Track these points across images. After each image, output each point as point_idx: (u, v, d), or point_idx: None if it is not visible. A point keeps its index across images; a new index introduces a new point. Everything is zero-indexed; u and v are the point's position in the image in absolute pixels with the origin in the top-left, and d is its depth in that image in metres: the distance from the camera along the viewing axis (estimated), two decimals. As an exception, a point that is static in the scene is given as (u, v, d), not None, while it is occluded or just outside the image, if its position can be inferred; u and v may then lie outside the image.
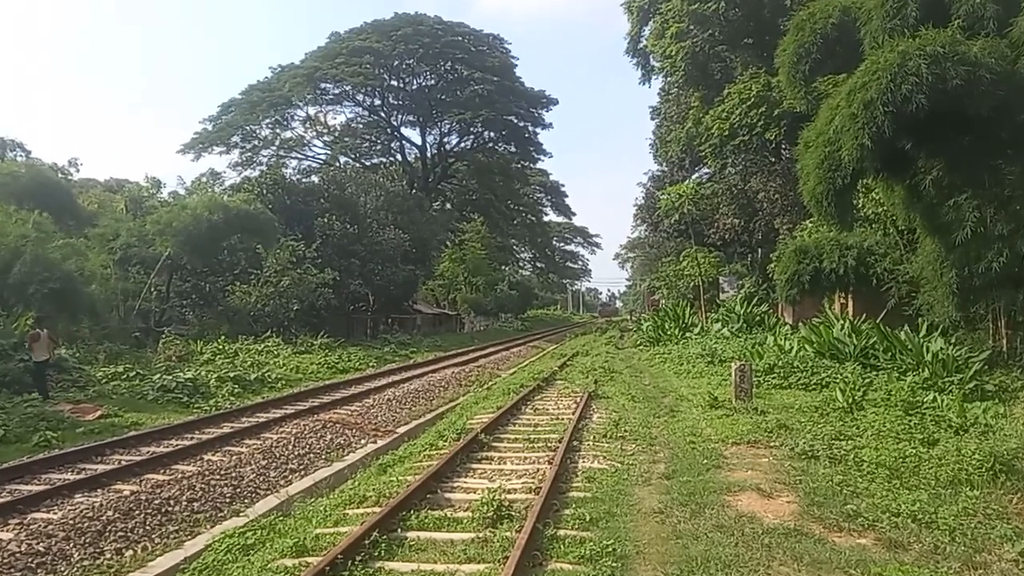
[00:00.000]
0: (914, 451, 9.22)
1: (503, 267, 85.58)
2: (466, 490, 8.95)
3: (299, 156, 74.74)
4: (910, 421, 11.09)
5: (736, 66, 39.46)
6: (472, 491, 8.81)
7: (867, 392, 13.74)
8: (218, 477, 10.84)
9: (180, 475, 10.72)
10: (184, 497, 9.79)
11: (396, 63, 69.47)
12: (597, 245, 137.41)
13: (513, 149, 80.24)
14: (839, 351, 18.56)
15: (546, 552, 6.58)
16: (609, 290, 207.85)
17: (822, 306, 26.04)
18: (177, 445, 12.79)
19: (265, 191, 41.04)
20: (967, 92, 12.75)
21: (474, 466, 10.25)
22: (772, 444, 10.57)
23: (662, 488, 8.62)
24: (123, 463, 11.28)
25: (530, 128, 78.32)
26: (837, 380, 15.61)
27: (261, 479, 11.22)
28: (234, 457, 12.06)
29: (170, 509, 9.36)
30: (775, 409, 13.30)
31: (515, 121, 75.85)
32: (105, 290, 29.36)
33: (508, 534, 6.92)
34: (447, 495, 8.73)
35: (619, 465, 9.87)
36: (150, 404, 18.21)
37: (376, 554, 6.66)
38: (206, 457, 12.01)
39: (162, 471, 11.00)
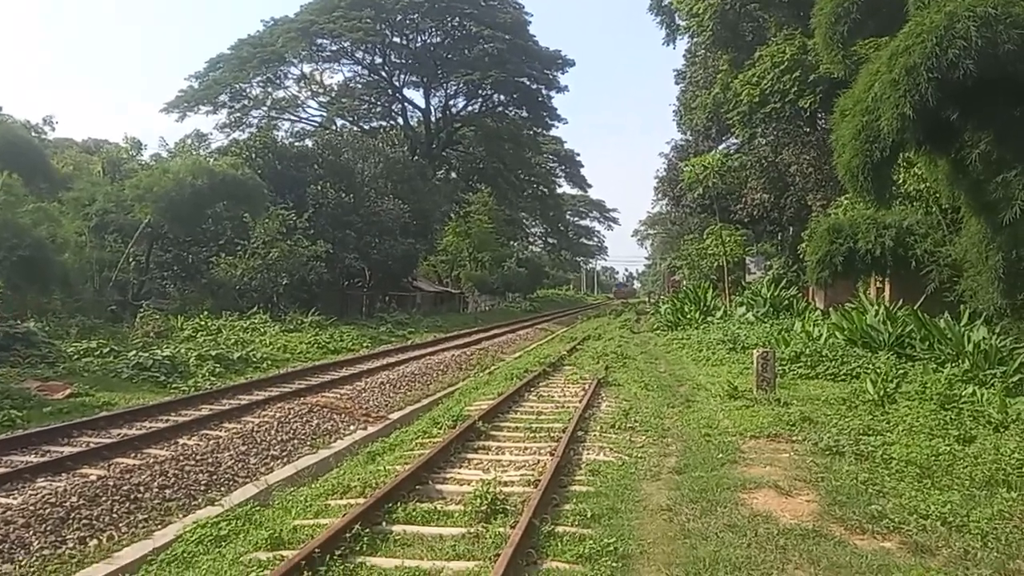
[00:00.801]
0: (948, 448, 9.17)
1: (511, 242, 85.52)
2: (459, 482, 8.95)
3: (292, 118, 74.50)
4: (946, 416, 11.02)
5: (769, 26, 39.03)
6: (466, 483, 8.81)
7: (900, 384, 13.69)
8: (193, 463, 10.88)
9: (152, 460, 10.75)
10: (155, 484, 9.83)
11: (399, 18, 68.96)
12: (614, 220, 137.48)
13: (525, 114, 79.68)
14: (872, 339, 18.49)
15: (541, 550, 6.57)
16: (627, 269, 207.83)
17: (856, 290, 25.97)
18: (150, 427, 12.85)
19: (254, 155, 40.91)
20: (1020, 57, 12.58)
21: (469, 456, 10.25)
22: (794, 438, 10.53)
23: (672, 483, 8.60)
24: (91, 446, 11.34)
25: (544, 91, 77.70)
26: (869, 370, 15.56)
27: (240, 466, 11.26)
28: (211, 441, 12.09)
29: (140, 496, 9.40)
30: (799, 401, 13.26)
31: (527, 83, 75.26)
32: (79, 259, 29.48)
33: (501, 530, 6.92)
34: (438, 486, 8.73)
35: (627, 458, 9.86)
36: (124, 383, 18.26)
37: (357, 548, 6.66)
38: (181, 441, 12.06)
39: (133, 455, 11.04)
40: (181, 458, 10.97)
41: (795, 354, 17.98)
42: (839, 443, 9.76)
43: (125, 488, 9.47)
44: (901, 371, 15.10)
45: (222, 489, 10.19)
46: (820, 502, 7.63)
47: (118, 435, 12.26)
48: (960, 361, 15.41)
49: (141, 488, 9.60)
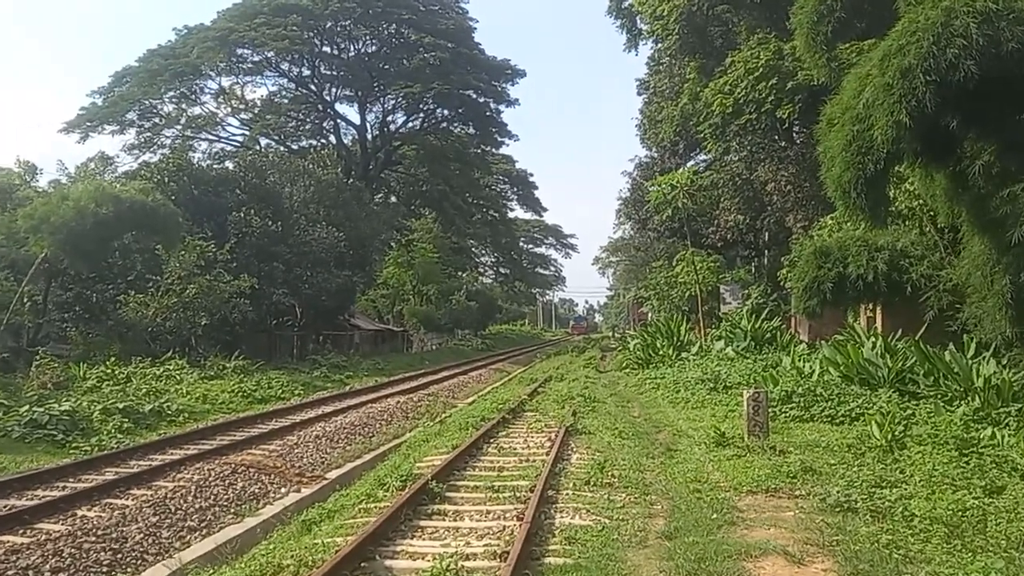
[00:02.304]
0: (976, 502, 8.87)
1: (460, 273, 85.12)
2: (412, 556, 8.42)
3: (210, 137, 73.62)
4: (966, 463, 10.76)
5: (740, 30, 39.43)
6: (420, 557, 8.31)
7: (909, 426, 13.43)
8: (94, 539, 10.18)
9: (44, 537, 10.05)
10: (47, 567, 9.14)
11: (329, 25, 68.73)
12: (572, 247, 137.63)
13: (472, 130, 79.73)
14: (871, 375, 18.31)
15: (516, 642, 6.07)
16: (587, 301, 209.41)
17: (844, 320, 25.93)
18: (43, 497, 12.12)
19: (167, 179, 40.05)
20: (1026, 57, 12.56)
21: (423, 524, 9.71)
22: (797, 493, 10.18)
23: (662, 551, 8.15)
24: (-31, 522, 10.60)
25: (492, 105, 77.88)
26: (871, 411, 15.31)
27: (150, 541, 10.57)
28: (117, 512, 11.39)
29: (28, 584, 8.72)
30: (797, 448, 12.95)
31: (474, 96, 75.34)
32: (-38, 301, 28.45)
33: (466, 618, 6.41)
34: (388, 562, 8.19)
35: (606, 521, 9.40)
36: (15, 443, 17.39)
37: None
38: (80, 512, 11.34)
39: (20, 531, 10.32)
40: (79, 533, 10.27)
41: (786, 394, 17.70)
42: (850, 498, 9.41)
43: (10, 574, 8.78)
44: (907, 411, 14.88)
45: (128, 570, 9.53)
46: (839, 572, 7.23)
47: (5, 507, 11.50)
48: (970, 398, 15.25)
49: (30, 572, 8.91)
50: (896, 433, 12.57)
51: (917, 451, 11.75)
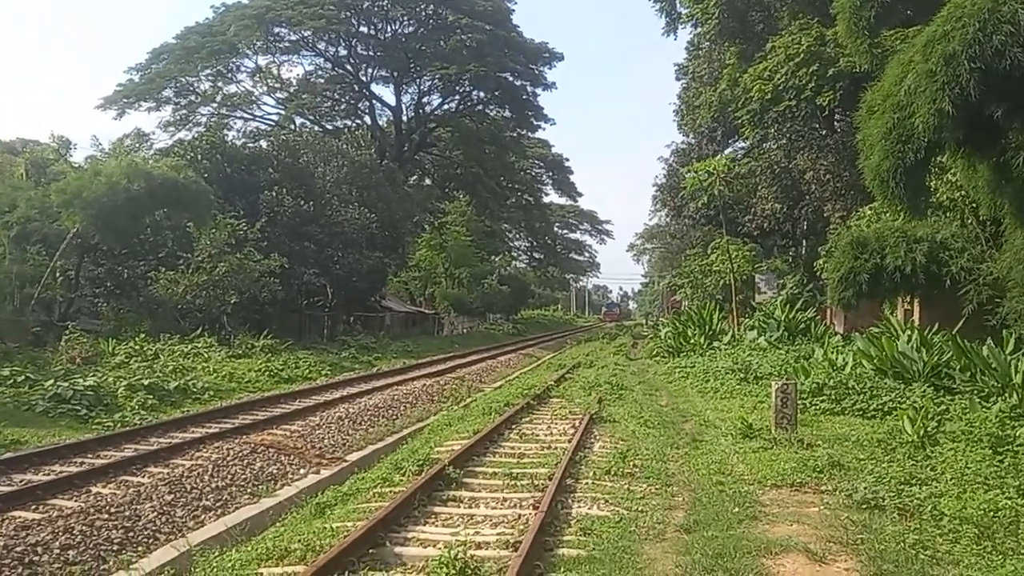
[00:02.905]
0: (1009, 503, 8.56)
1: (493, 257, 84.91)
2: (423, 543, 8.28)
3: (245, 115, 73.96)
4: (1001, 462, 10.43)
5: (782, 15, 38.79)
6: (431, 544, 8.17)
7: (942, 422, 13.09)
8: (107, 516, 10.16)
9: (57, 513, 10.02)
10: (57, 543, 9.10)
11: (367, 5, 68.65)
12: (607, 234, 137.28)
13: (508, 113, 79.45)
14: (905, 369, 17.92)
15: (521, 636, 5.89)
16: (621, 288, 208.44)
17: (881, 312, 25.49)
18: (60, 472, 12.12)
19: (200, 156, 40.27)
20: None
21: (437, 510, 9.57)
22: (823, 488, 9.92)
23: (680, 545, 7.94)
24: (-16, 495, 10.59)
25: (529, 88, 77.46)
26: (903, 405, 14.96)
27: (163, 519, 10.54)
28: (132, 490, 11.35)
29: (35, 560, 8.68)
30: (825, 441, 12.65)
31: (510, 79, 74.98)
32: (-5, 274, 28.66)
33: (471, 609, 6.25)
34: (397, 549, 8.04)
35: (625, 512, 9.20)
36: (39, 417, 17.53)
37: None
38: (95, 489, 11.32)
39: (34, 507, 10.30)
40: (92, 510, 10.24)
41: (817, 386, 17.40)
42: (878, 495, 9.14)
43: (18, 550, 8.73)
44: (942, 406, 14.51)
45: (140, 549, 9.49)
46: (862, 571, 6.99)
47: (20, 482, 11.51)
48: (1007, 395, 14.85)
49: (38, 550, 8.87)
50: (929, 429, 12.24)
51: (950, 448, 11.42)
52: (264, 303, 36.15)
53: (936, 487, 9.46)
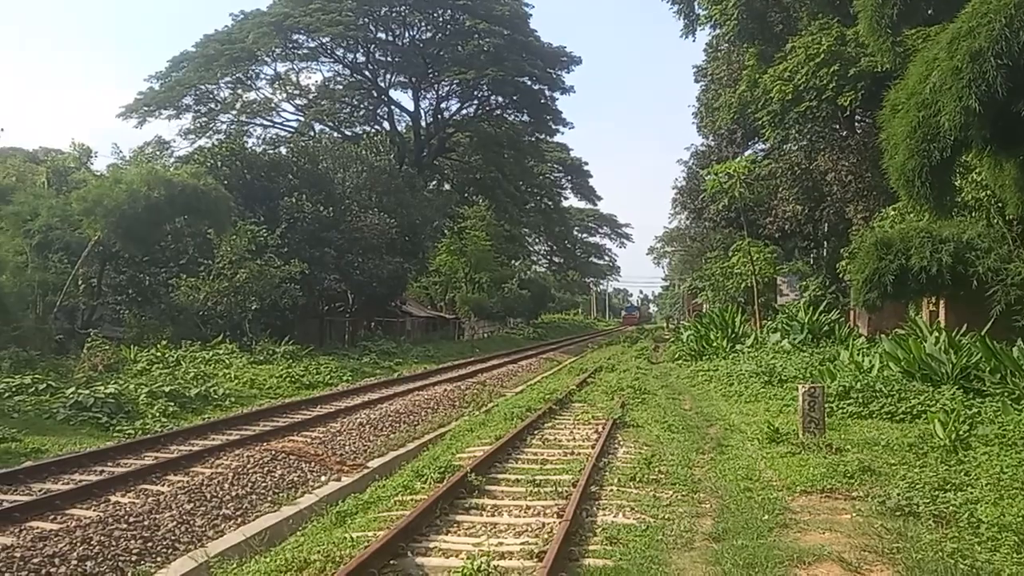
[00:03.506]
0: (1048, 509, 8.29)
1: (512, 262, 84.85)
2: (445, 552, 8.09)
3: (265, 122, 73.98)
4: (1037, 466, 10.14)
5: (801, 15, 38.46)
6: (453, 554, 7.98)
7: (974, 425, 12.80)
8: (125, 526, 9.99)
9: (75, 523, 9.88)
10: (74, 555, 8.93)
11: (385, 11, 68.55)
12: (627, 237, 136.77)
13: (526, 118, 79.13)
14: (933, 371, 17.60)
15: (548, 651, 5.69)
16: (641, 292, 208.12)
17: (906, 314, 25.18)
18: (80, 481, 11.98)
19: (220, 163, 40.23)
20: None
21: (459, 518, 9.38)
22: (854, 494, 9.67)
23: (709, 555, 7.71)
24: (3, 505, 10.46)
25: (547, 92, 77.12)
26: (933, 408, 14.68)
27: (183, 529, 10.35)
28: (151, 499, 11.20)
29: (52, 572, 8.51)
30: (855, 446, 12.40)
31: (528, 83, 74.67)
32: (19, 282, 28.59)
33: (496, 622, 6.05)
34: (419, 559, 7.86)
35: (651, 520, 8.98)
36: (60, 425, 17.42)
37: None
38: (114, 498, 11.17)
39: (52, 517, 10.16)
40: (111, 520, 10.08)
41: (843, 389, 17.10)
42: (912, 501, 8.88)
43: (35, 561, 8.58)
44: (973, 409, 14.21)
45: (158, 559, 9.31)
46: (899, 582, 6.75)
47: (39, 491, 11.39)
48: (1039, 397, 14.57)
49: (55, 561, 8.70)
50: (961, 432, 11.96)
51: (983, 452, 11.14)
52: (285, 309, 36.09)
53: (972, 493, 9.18)
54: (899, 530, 8.10)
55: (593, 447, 13.28)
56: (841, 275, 32.65)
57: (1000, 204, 20.11)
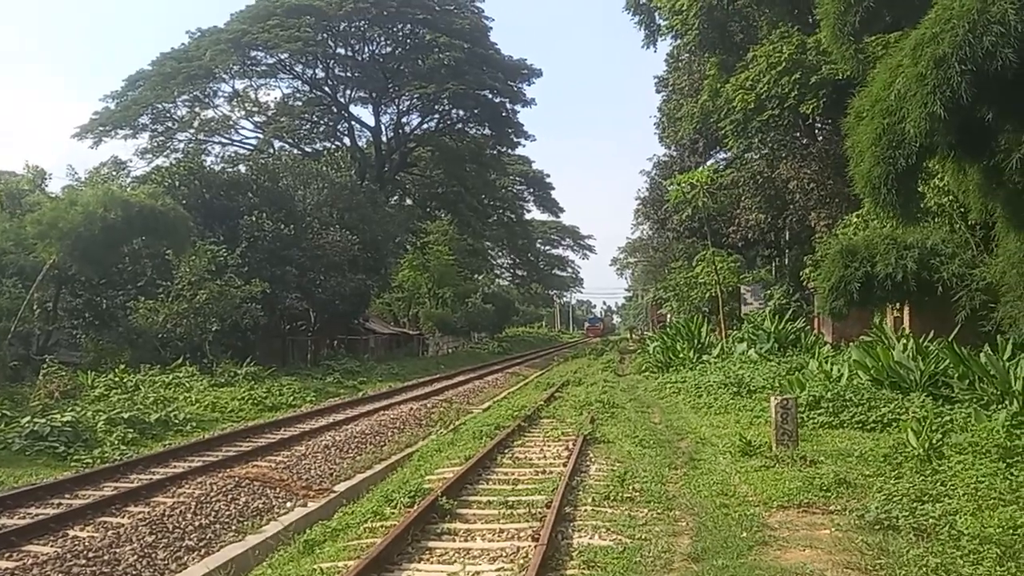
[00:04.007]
0: (1029, 519, 8.23)
1: (476, 276, 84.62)
2: (418, 582, 7.87)
3: (223, 140, 73.19)
4: (1012, 474, 10.10)
5: (761, 24, 38.69)
6: (426, 584, 7.75)
7: (947, 433, 12.78)
8: (84, 561, 9.67)
9: (31, 560, 9.54)
10: (31, 594, 8.62)
11: (343, 26, 68.17)
12: (590, 248, 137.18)
13: (487, 131, 78.99)
14: (902, 378, 17.65)
15: None
16: (605, 302, 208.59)
17: (870, 321, 25.28)
18: (35, 516, 11.60)
19: (178, 183, 39.66)
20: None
21: (431, 544, 9.16)
22: (832, 508, 9.59)
23: (689, 576, 7.56)
24: (-47, 545, 10.10)
25: (508, 105, 77.05)
26: (904, 417, 14.68)
27: (144, 563, 10.04)
28: (111, 532, 10.85)
29: (7, 613, 8.20)
30: (829, 457, 12.35)
31: (489, 96, 74.58)
32: (-31, 308, 28.12)
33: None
34: (392, 590, 7.64)
35: (628, 541, 8.81)
36: (15, 456, 16.91)
37: None
38: (72, 533, 10.81)
39: (7, 554, 9.80)
40: (69, 556, 9.75)
41: (814, 399, 17.10)
42: (891, 514, 8.79)
43: (-11, 603, 8.28)
44: (943, 417, 14.22)
45: (119, 597, 9.01)
46: (885, 600, 6.63)
47: (-6, 527, 11.03)
48: (1008, 402, 14.59)
49: (11, 602, 8.41)
50: (934, 441, 11.89)
51: (958, 461, 11.08)
52: (246, 329, 35.60)
53: (950, 504, 9.09)
54: (880, 545, 7.99)
55: (565, 465, 13.11)
56: (805, 283, 32.82)
57: (963, 209, 20.23)
